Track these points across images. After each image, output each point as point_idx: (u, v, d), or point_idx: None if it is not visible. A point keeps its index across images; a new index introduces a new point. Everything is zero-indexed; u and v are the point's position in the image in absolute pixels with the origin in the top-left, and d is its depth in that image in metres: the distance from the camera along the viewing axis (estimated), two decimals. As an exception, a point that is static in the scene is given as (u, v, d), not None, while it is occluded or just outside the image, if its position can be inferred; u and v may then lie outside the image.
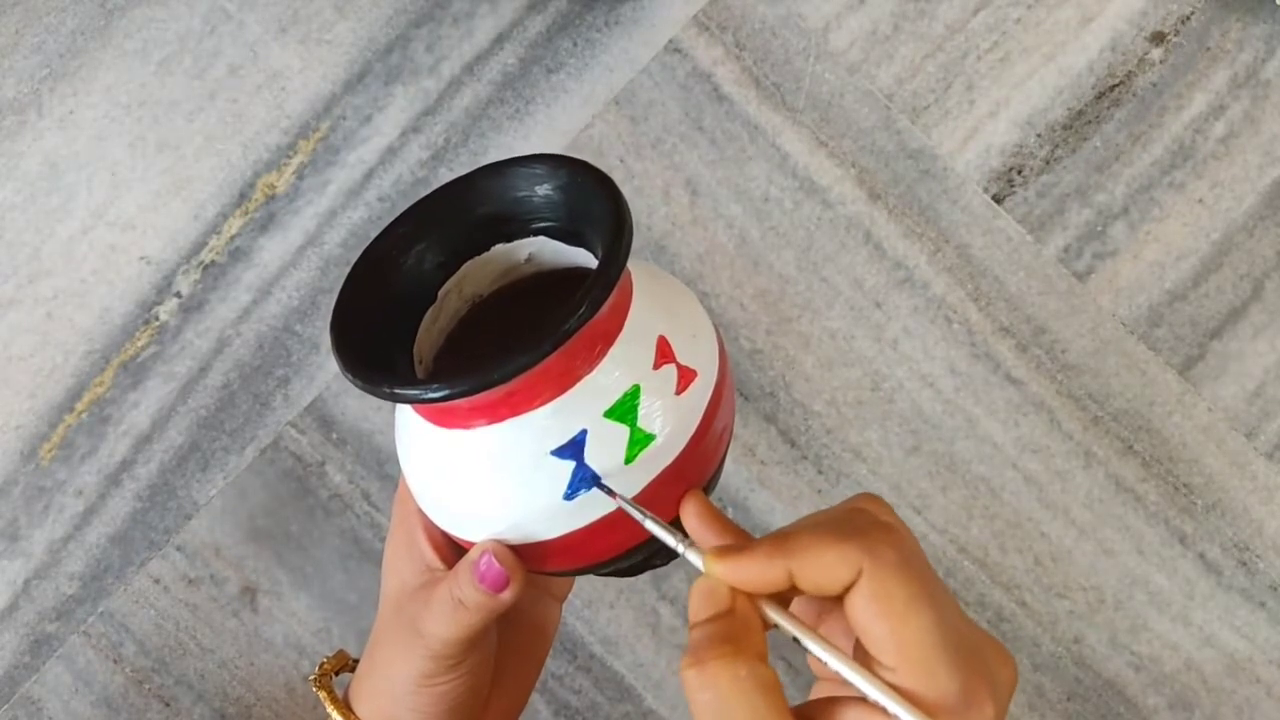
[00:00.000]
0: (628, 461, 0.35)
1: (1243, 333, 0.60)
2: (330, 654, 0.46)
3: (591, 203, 0.37)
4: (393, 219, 0.39)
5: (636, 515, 0.35)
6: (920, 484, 0.60)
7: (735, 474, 0.60)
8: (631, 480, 0.36)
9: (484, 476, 0.36)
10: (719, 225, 0.60)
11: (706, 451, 0.38)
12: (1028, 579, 0.60)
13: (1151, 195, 0.61)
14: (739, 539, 0.35)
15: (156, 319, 0.59)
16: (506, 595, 0.37)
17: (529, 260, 0.40)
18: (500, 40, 0.60)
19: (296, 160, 0.60)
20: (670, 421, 0.36)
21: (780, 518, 0.60)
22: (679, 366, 0.38)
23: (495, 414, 0.35)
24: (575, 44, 0.60)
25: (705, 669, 0.31)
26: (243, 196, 0.60)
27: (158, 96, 0.60)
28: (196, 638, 0.60)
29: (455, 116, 0.60)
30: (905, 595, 0.30)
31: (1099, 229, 0.61)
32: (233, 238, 0.60)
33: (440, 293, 0.40)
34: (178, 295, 0.59)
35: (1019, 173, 0.61)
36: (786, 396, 0.60)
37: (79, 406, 0.59)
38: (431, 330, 0.40)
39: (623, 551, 0.37)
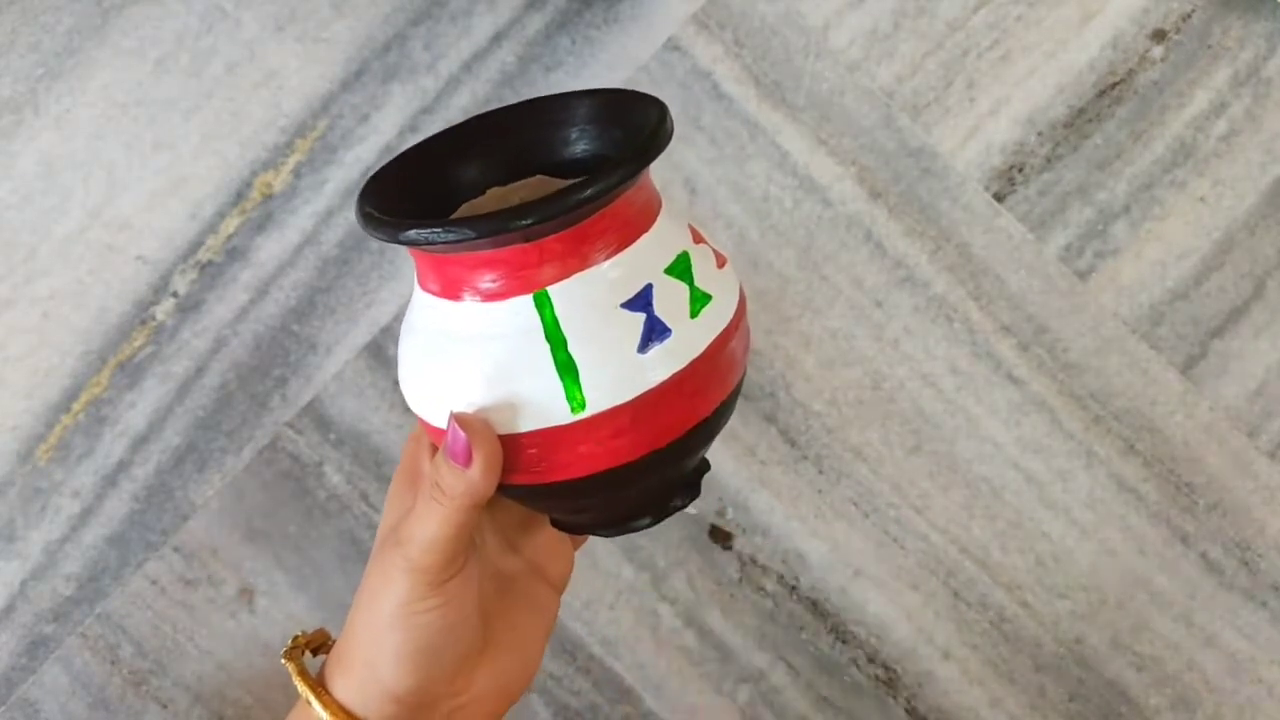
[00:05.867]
0: (693, 316, 0.36)
1: (1244, 331, 0.60)
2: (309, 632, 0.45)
3: (621, 106, 0.40)
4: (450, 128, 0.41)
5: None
6: (921, 484, 0.60)
7: (735, 474, 0.60)
8: (694, 339, 0.36)
9: (513, 352, 0.36)
10: (718, 224, 0.60)
11: (744, 340, 0.39)
12: (1029, 579, 0.60)
13: (1153, 193, 0.60)
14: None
15: (153, 319, 0.59)
16: (475, 471, 0.36)
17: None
18: (498, 38, 0.60)
19: (294, 159, 0.60)
20: (720, 288, 0.38)
21: (780, 517, 0.60)
22: (712, 249, 0.39)
23: (564, 267, 0.35)
24: (574, 42, 0.60)
25: None
26: (240, 196, 0.59)
27: (154, 95, 0.59)
28: (194, 639, 0.59)
29: (453, 115, 0.60)
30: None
31: (1100, 227, 0.60)
32: (230, 237, 0.59)
33: None
34: (174, 295, 0.59)
35: (1020, 171, 0.60)
36: (787, 396, 0.60)
37: (75, 407, 0.59)
38: None
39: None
